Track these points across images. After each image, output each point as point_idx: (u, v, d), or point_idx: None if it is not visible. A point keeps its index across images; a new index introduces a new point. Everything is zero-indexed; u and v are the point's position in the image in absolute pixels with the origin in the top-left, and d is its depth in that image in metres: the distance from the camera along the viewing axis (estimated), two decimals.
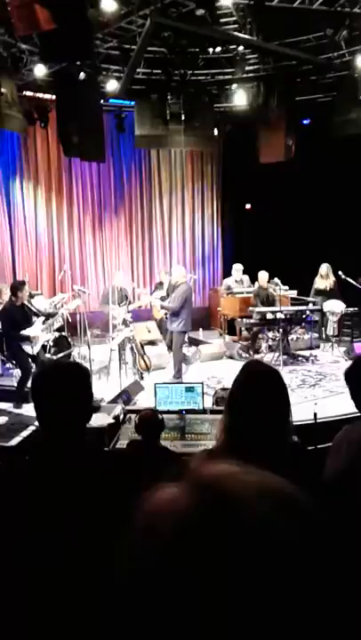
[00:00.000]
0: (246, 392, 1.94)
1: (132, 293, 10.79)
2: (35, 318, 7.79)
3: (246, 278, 11.17)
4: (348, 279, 10.09)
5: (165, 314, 8.96)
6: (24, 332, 7.50)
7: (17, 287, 7.69)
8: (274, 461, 1.82)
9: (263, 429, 1.85)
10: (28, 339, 7.50)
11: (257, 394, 1.91)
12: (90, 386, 1.92)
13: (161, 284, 10.40)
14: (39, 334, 7.69)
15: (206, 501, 0.48)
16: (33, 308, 7.89)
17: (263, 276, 10.11)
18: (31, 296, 9.28)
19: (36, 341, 7.62)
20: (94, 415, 5.84)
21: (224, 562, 0.45)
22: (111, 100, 11.34)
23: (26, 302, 7.73)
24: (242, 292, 10.87)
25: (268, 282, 10.25)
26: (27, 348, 7.53)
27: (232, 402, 1.96)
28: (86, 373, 1.91)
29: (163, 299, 10.14)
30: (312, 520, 0.50)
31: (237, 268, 11.27)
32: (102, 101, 10.84)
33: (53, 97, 10.34)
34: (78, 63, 9.28)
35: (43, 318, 7.89)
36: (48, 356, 8.13)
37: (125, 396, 7.03)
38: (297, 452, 1.97)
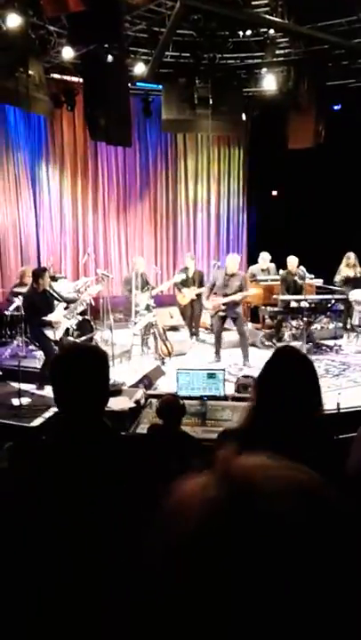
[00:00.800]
0: (275, 376, 1.96)
1: (155, 278, 10.76)
2: (57, 304, 7.83)
3: (273, 267, 11.05)
4: None
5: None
6: (46, 318, 7.56)
7: (39, 274, 7.74)
8: (296, 448, 1.81)
9: (289, 415, 1.85)
10: (50, 324, 7.56)
11: (286, 378, 1.93)
12: (107, 369, 1.91)
13: (186, 268, 10.34)
14: (61, 320, 7.74)
15: (234, 493, 0.48)
16: (55, 294, 7.93)
17: (293, 260, 9.91)
18: (54, 279, 9.33)
19: (58, 326, 7.67)
20: (115, 399, 5.89)
21: (245, 554, 0.45)
22: (138, 84, 11.25)
23: (48, 288, 7.77)
24: (266, 280, 10.77)
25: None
26: (49, 333, 7.58)
27: (260, 384, 1.98)
28: (104, 357, 1.91)
29: (183, 283, 10.12)
30: (339, 518, 0.49)
31: (264, 257, 11.14)
32: (130, 85, 10.77)
33: (81, 80, 10.29)
34: (106, 46, 9.21)
35: (64, 304, 7.94)
36: (71, 339, 8.17)
37: (147, 380, 7.05)
38: (323, 441, 1.94)
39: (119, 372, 7.73)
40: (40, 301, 7.64)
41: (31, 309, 7.66)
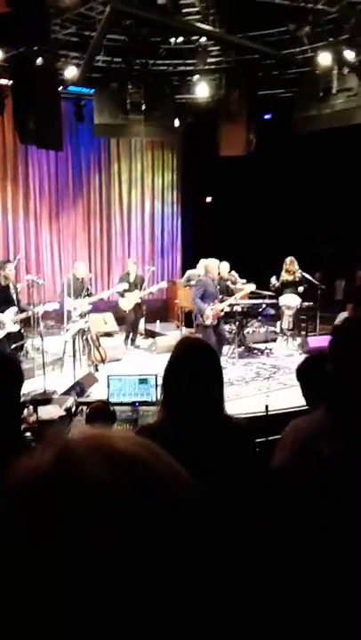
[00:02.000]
0: (177, 366, 1.96)
1: (91, 284, 10.65)
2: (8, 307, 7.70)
3: None
4: (305, 274, 10.20)
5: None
6: None
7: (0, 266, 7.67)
8: (203, 435, 1.81)
9: (193, 403, 1.86)
10: None
11: (187, 368, 1.93)
12: (17, 379, 1.85)
13: (128, 273, 10.30)
14: (7, 323, 7.57)
15: (52, 462, 0.50)
16: (14, 296, 7.79)
17: (224, 267, 10.07)
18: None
19: (1, 327, 7.51)
20: (45, 408, 5.76)
21: (66, 517, 0.45)
22: (70, 88, 11.12)
23: (11, 285, 7.64)
24: None
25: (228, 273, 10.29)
26: None
27: (165, 377, 1.98)
28: (14, 367, 1.85)
29: (125, 291, 10.09)
30: (160, 492, 0.50)
31: (202, 265, 11.21)
32: (61, 89, 10.62)
33: (10, 82, 10.07)
34: (36, 49, 9.05)
35: (17, 309, 7.78)
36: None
37: (79, 388, 6.94)
38: (228, 427, 1.95)
39: (51, 380, 7.59)
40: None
41: None
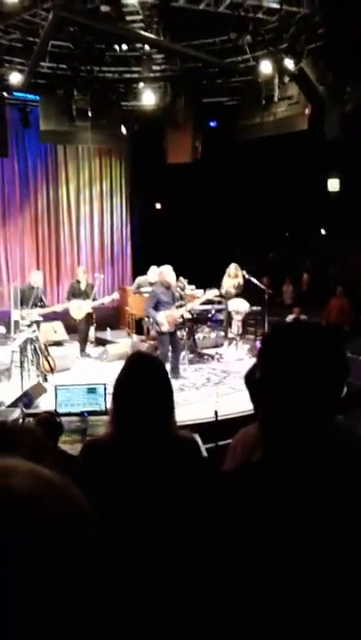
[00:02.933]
0: (127, 381, 1.96)
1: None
2: None
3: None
4: (252, 279, 10.34)
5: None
6: None
7: None
8: (151, 451, 1.82)
9: (143, 418, 1.87)
10: None
11: (137, 383, 1.94)
12: None
13: (78, 282, 10.20)
14: None
15: None
16: None
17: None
18: None
19: None
20: None
21: None
22: (16, 94, 10.98)
23: None
24: (149, 292, 10.85)
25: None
26: None
27: (115, 391, 1.98)
28: None
29: (76, 296, 9.97)
30: (51, 530, 0.49)
31: (153, 272, 11.17)
32: (6, 94, 10.49)
33: None
34: None
35: None
36: None
37: (27, 399, 6.82)
38: (176, 443, 1.96)
39: None
40: None
41: None
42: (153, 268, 11.14)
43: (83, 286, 10.10)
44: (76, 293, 10.01)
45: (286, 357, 1.15)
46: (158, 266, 11.00)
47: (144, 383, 1.93)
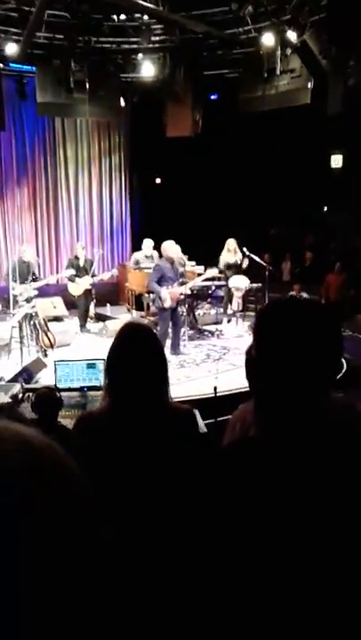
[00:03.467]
0: (120, 352, 1.94)
1: (39, 267, 10.47)
2: None
3: (156, 254, 11.09)
4: (253, 256, 10.28)
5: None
6: None
7: None
8: (147, 422, 1.82)
9: (137, 389, 1.86)
10: None
11: (130, 353, 1.91)
12: None
13: (77, 258, 10.16)
14: None
15: None
16: None
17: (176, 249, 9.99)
18: None
19: None
20: None
21: None
22: (12, 65, 10.78)
23: None
24: (150, 267, 10.80)
25: None
26: None
27: (108, 363, 1.96)
28: None
29: (75, 276, 9.95)
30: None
31: (148, 245, 11.14)
32: (2, 66, 10.30)
33: None
34: None
35: None
36: None
37: (26, 374, 6.83)
38: (172, 413, 1.96)
39: None
40: None
41: None
42: (147, 241, 11.11)
43: (81, 262, 10.07)
44: (75, 269, 9.97)
45: (280, 334, 1.14)
46: (153, 240, 10.99)
47: (137, 354, 1.91)
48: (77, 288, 10.02)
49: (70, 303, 10.66)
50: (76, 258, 10.16)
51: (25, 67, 10.94)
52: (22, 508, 0.45)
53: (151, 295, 9.52)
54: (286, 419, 1.12)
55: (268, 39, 9.26)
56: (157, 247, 11.13)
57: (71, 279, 9.98)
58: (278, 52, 9.42)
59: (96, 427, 1.91)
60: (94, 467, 1.82)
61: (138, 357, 1.90)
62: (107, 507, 1.74)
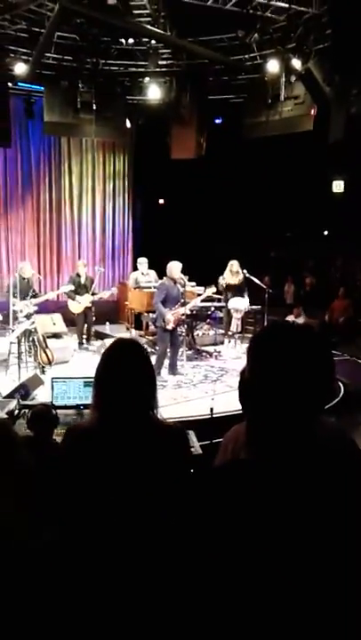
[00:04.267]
0: (108, 366, 1.93)
1: (39, 285, 10.52)
2: None
3: (153, 273, 11.15)
4: (253, 278, 10.32)
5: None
6: None
7: None
8: (134, 437, 1.81)
9: (125, 403, 1.85)
10: None
11: (118, 368, 1.91)
12: None
13: (78, 275, 10.23)
14: None
15: None
16: None
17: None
18: None
19: None
20: None
21: None
22: (20, 84, 10.95)
23: None
24: (149, 287, 10.84)
25: None
26: None
27: (97, 377, 1.95)
28: None
29: (76, 290, 10.00)
30: None
31: (141, 262, 11.20)
32: (10, 84, 10.45)
33: None
34: None
35: None
36: None
37: (23, 390, 6.81)
38: (159, 429, 1.95)
39: None
40: None
41: None
42: (141, 260, 11.18)
43: (82, 280, 10.13)
44: (75, 287, 10.02)
45: (272, 357, 1.16)
46: (154, 260, 11.04)
47: (125, 368, 1.90)
48: (78, 306, 10.06)
49: (70, 320, 10.68)
50: (78, 275, 10.22)
51: (33, 86, 11.12)
52: None
53: (151, 314, 9.54)
54: (276, 441, 1.13)
55: (273, 66, 9.42)
56: (155, 266, 11.19)
57: (70, 296, 10.02)
58: (283, 79, 9.58)
59: (84, 440, 1.91)
60: (82, 480, 1.82)
61: (126, 372, 1.90)
62: (92, 517, 1.75)
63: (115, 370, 1.92)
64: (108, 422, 1.87)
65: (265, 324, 10.24)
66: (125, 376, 1.89)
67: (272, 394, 1.14)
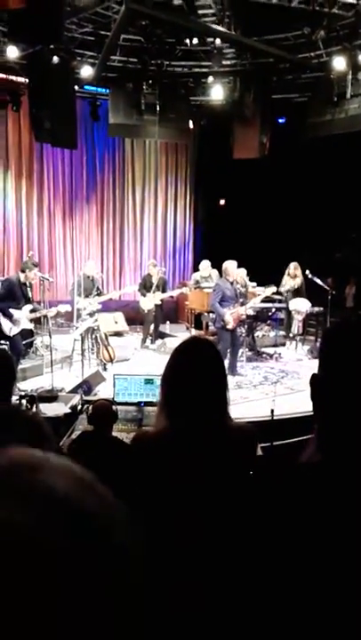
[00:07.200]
0: (183, 368, 1.82)
1: (102, 283, 10.71)
2: (24, 304, 7.75)
3: (215, 273, 11.13)
4: (315, 279, 10.13)
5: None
6: (12, 310, 7.48)
7: (27, 267, 7.85)
8: (209, 445, 1.74)
9: (200, 409, 1.75)
10: (11, 316, 7.48)
11: (194, 369, 1.79)
12: (8, 370, 1.86)
13: (149, 275, 10.39)
14: (22, 320, 7.61)
15: None
16: (29, 294, 7.93)
17: (241, 271, 10.00)
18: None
19: (17, 324, 7.55)
20: (50, 405, 5.80)
21: None
22: (86, 87, 11.19)
23: (28, 284, 7.84)
24: (210, 287, 10.83)
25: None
26: (4, 323, 7.47)
27: (168, 379, 1.84)
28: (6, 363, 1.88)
29: (146, 288, 10.17)
30: (81, 529, 0.41)
31: (204, 266, 11.21)
32: (77, 88, 10.69)
33: (26, 80, 10.14)
34: (52, 47, 9.10)
35: (31, 307, 7.81)
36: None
37: (86, 386, 6.96)
38: (235, 434, 1.86)
39: (59, 378, 7.63)
40: (18, 291, 7.61)
41: (5, 294, 7.62)
42: (204, 263, 11.21)
43: (154, 280, 10.25)
44: (147, 286, 10.17)
45: (349, 353, 1.11)
46: (215, 260, 11.02)
47: (200, 369, 1.79)
48: (148, 303, 10.20)
49: (131, 319, 10.82)
50: (149, 275, 10.39)
51: (99, 89, 11.34)
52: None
53: (211, 315, 9.53)
54: (350, 443, 1.09)
55: (339, 63, 9.23)
56: (217, 266, 11.17)
57: (142, 292, 10.21)
58: (349, 76, 9.37)
59: (155, 448, 1.81)
60: (155, 489, 1.74)
61: (200, 373, 1.78)
62: (168, 529, 1.67)
63: (187, 371, 1.80)
64: (180, 429, 1.75)
65: (327, 326, 10.04)
66: (200, 377, 1.77)
67: (346, 392, 1.10)
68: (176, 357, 1.85)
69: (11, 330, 7.51)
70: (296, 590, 1.05)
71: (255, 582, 1.15)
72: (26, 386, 7.54)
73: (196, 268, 12.71)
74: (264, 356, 9.80)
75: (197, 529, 1.66)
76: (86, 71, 10.09)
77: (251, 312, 9.14)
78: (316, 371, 1.19)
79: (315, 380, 1.24)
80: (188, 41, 9.69)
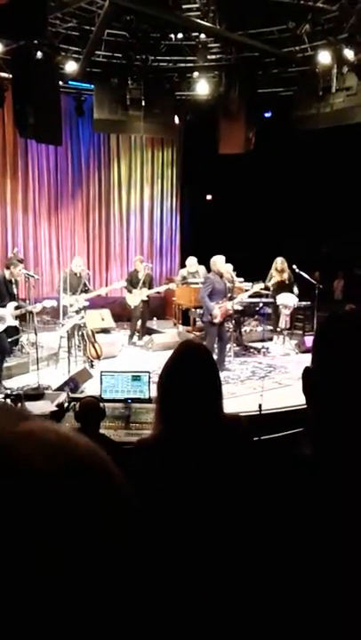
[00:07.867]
0: (176, 372, 1.86)
1: (89, 279, 10.64)
2: (9, 301, 7.67)
3: (202, 269, 11.12)
4: (303, 273, 10.17)
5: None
6: None
7: (12, 263, 7.78)
8: (206, 447, 1.74)
9: (196, 414, 1.78)
10: None
11: (189, 377, 1.82)
12: None
13: (136, 271, 10.34)
14: (7, 317, 7.54)
15: None
16: (14, 291, 7.82)
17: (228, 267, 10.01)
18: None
19: (2, 322, 7.48)
20: (37, 403, 5.75)
21: None
22: (71, 83, 11.09)
23: (13, 280, 7.74)
24: (197, 283, 10.82)
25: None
26: None
27: (163, 386, 1.87)
28: None
29: (133, 284, 10.13)
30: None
31: (191, 262, 11.19)
32: (61, 83, 10.59)
33: (10, 76, 10.04)
34: (36, 42, 9.01)
35: (16, 304, 7.74)
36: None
37: (73, 383, 6.92)
38: (228, 431, 1.87)
39: (46, 376, 7.59)
40: (2, 288, 7.54)
41: None
42: (190, 259, 11.18)
43: (141, 276, 10.20)
44: (133, 282, 10.13)
45: (343, 348, 1.09)
46: (202, 256, 11.00)
47: (195, 374, 1.82)
48: (134, 299, 10.15)
49: (118, 315, 10.77)
50: (136, 271, 10.33)
51: (83, 84, 11.25)
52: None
53: (198, 310, 9.54)
54: (341, 437, 1.07)
55: (324, 57, 9.24)
56: (204, 262, 11.15)
57: (128, 289, 10.16)
58: (334, 70, 9.38)
59: (154, 452, 1.82)
60: (157, 493, 1.73)
61: (195, 378, 1.81)
62: (175, 531, 1.66)
63: (184, 375, 1.83)
64: (178, 433, 1.77)
65: (315, 320, 10.07)
66: (195, 382, 1.80)
67: (339, 385, 1.08)
68: (171, 362, 1.88)
69: None
70: (293, 582, 1.04)
71: (254, 574, 1.14)
72: (11, 384, 7.50)
73: (182, 264, 12.69)
74: (252, 350, 9.82)
75: (197, 529, 1.67)
76: (71, 66, 10.00)
77: (238, 307, 9.15)
78: (304, 365, 1.18)
79: (307, 374, 1.22)
80: (172, 36, 9.66)
